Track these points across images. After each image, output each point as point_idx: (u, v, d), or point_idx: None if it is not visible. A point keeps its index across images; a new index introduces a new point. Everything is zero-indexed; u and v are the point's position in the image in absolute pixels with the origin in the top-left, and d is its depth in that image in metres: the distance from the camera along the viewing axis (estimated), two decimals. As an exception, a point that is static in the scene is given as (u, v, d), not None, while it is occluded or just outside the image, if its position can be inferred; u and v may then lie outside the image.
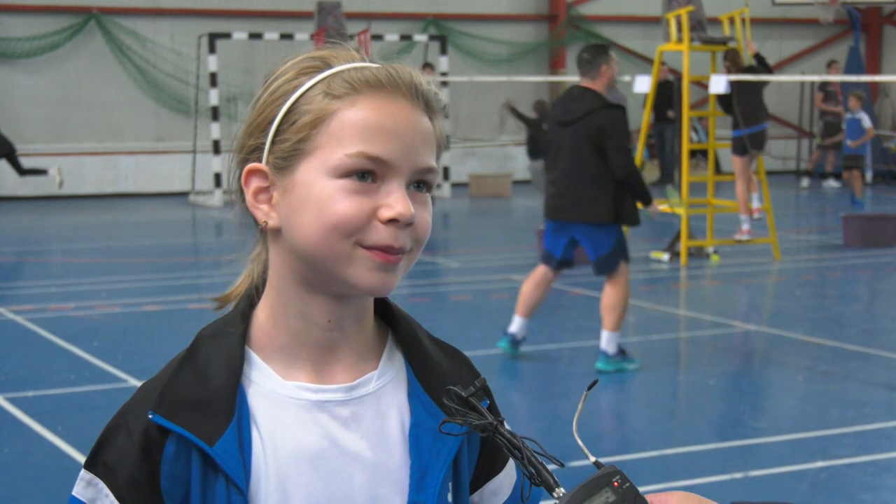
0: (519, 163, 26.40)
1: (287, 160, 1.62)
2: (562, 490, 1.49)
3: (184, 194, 23.12)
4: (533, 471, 1.52)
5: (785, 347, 9.59)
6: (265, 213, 1.65)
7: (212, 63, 21.60)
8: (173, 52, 24.00)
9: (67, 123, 23.58)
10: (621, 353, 8.95)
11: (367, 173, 1.59)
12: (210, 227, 19.62)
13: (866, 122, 20.15)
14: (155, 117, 24.19)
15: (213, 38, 21.70)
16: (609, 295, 8.80)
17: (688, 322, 11.09)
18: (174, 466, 1.61)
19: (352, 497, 1.65)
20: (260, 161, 1.65)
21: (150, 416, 1.62)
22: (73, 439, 7.20)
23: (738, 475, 6.54)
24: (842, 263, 14.50)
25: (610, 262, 8.72)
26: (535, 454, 1.53)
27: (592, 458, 1.53)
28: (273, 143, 1.64)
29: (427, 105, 1.66)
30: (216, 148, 21.68)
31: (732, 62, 14.63)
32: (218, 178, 21.65)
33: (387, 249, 1.59)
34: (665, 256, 14.40)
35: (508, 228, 18.87)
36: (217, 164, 21.68)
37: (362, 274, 1.60)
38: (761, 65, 14.93)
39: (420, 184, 1.64)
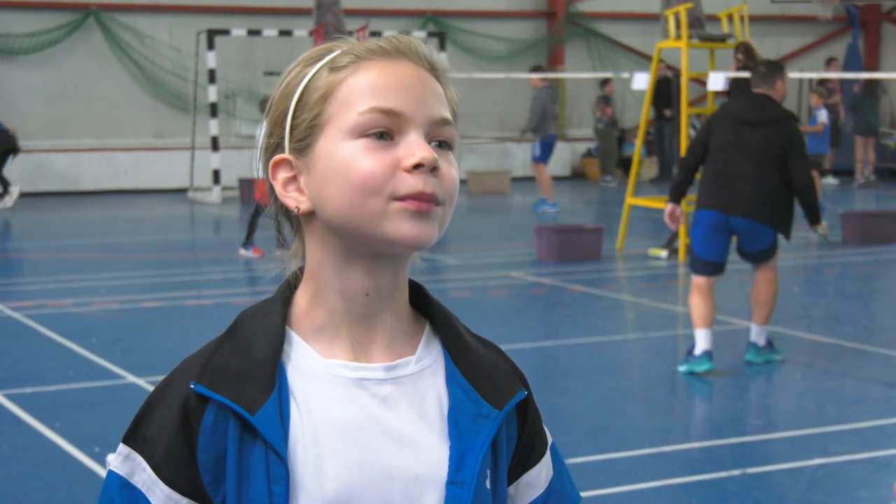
0: (518, 159, 26.42)
1: (305, 140, 1.66)
2: None
3: (182, 191, 23.13)
4: None
5: (783, 344, 9.59)
6: (296, 199, 1.68)
7: (210, 59, 21.59)
8: (172, 49, 23.99)
9: (66, 120, 23.58)
10: (769, 344, 9.10)
11: (384, 133, 1.61)
12: (208, 224, 19.62)
13: (821, 117, 20.15)
14: (153, 114, 24.20)
15: (212, 34, 21.69)
16: (763, 290, 8.96)
17: (686, 319, 11.09)
18: (212, 437, 1.62)
19: (389, 474, 1.65)
20: (283, 154, 1.68)
21: (191, 386, 1.64)
22: (71, 436, 7.20)
23: (735, 472, 6.54)
24: (840, 260, 14.50)
25: (767, 253, 8.86)
26: None
27: None
28: (291, 129, 1.67)
29: (432, 67, 1.69)
30: (215, 144, 21.67)
31: (746, 55, 14.55)
32: (216, 175, 21.65)
33: (419, 196, 1.60)
34: (663, 253, 14.41)
35: (507, 225, 18.89)
36: (215, 160, 21.68)
37: (398, 226, 1.61)
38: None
39: (441, 143, 1.66)
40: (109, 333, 10.14)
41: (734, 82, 14.50)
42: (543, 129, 20.17)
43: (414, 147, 1.61)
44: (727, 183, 8.63)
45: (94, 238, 16.82)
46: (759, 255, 8.86)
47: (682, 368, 8.77)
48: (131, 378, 8.55)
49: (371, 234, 1.62)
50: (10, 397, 8.11)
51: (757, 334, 9.09)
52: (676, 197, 9.01)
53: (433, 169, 1.61)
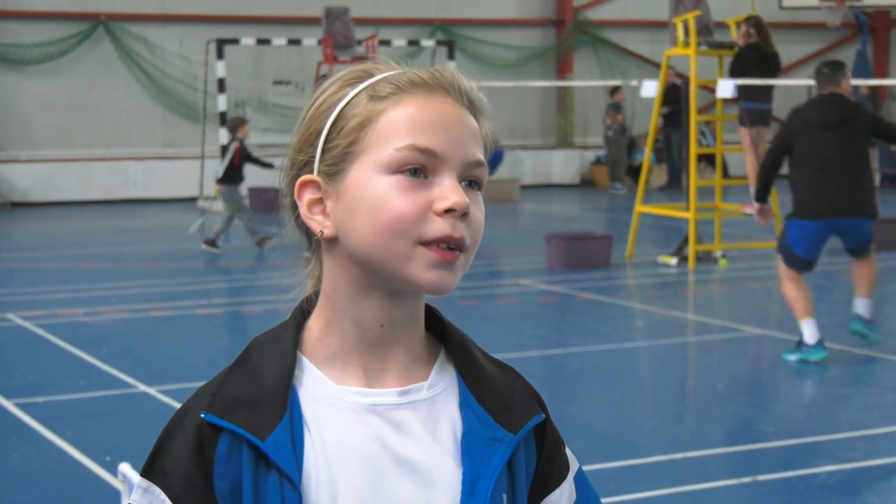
0: (527, 167, 26.42)
1: (338, 165, 1.64)
2: None
3: (192, 200, 23.15)
4: None
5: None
6: (320, 223, 1.66)
7: (220, 69, 21.63)
8: (181, 58, 24.04)
9: (76, 129, 23.62)
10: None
11: (418, 170, 1.60)
12: (218, 233, 19.62)
13: None
14: (163, 123, 24.24)
15: (222, 43, 21.73)
16: (867, 270, 9.56)
17: (696, 326, 11.08)
18: (227, 466, 1.62)
19: (402, 501, 1.64)
20: (311, 174, 1.67)
21: (202, 416, 1.63)
22: (81, 445, 7.21)
23: (747, 479, 6.53)
24: (850, 267, 14.46)
25: (871, 240, 9.46)
26: None
27: None
28: (323, 152, 1.66)
29: (471, 104, 1.69)
30: (224, 154, 21.69)
31: (757, 29, 14.41)
32: (226, 184, 21.66)
33: (447, 240, 1.60)
34: (673, 261, 14.39)
35: (516, 233, 18.88)
36: (225, 169, 21.70)
37: (421, 272, 1.60)
38: (775, 61, 14.74)
39: (471, 183, 1.65)
40: (120, 342, 10.15)
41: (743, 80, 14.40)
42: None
43: (447, 191, 1.60)
44: (828, 189, 9.13)
45: (104, 247, 16.84)
46: (867, 244, 9.42)
47: (793, 357, 9.20)
48: (142, 387, 8.56)
49: (393, 273, 1.61)
50: (21, 406, 8.12)
51: (864, 307, 9.58)
52: (764, 198, 9.64)
53: (463, 214, 1.61)
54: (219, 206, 21.65)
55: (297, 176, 1.68)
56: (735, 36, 15.09)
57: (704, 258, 14.70)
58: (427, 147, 1.60)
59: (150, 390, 8.44)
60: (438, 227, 1.59)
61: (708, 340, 10.50)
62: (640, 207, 15.44)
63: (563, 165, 27.13)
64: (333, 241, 1.66)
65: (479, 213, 1.65)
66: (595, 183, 26.96)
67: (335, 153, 1.64)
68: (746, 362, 9.62)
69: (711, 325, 11.05)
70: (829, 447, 7.20)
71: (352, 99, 1.65)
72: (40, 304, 12.14)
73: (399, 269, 1.61)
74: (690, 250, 14.33)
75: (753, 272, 14.10)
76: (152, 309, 11.74)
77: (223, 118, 21.70)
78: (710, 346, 10.29)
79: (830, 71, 9.47)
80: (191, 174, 23.45)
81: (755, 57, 14.34)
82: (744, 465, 6.84)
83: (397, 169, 1.60)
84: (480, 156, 1.66)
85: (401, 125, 1.61)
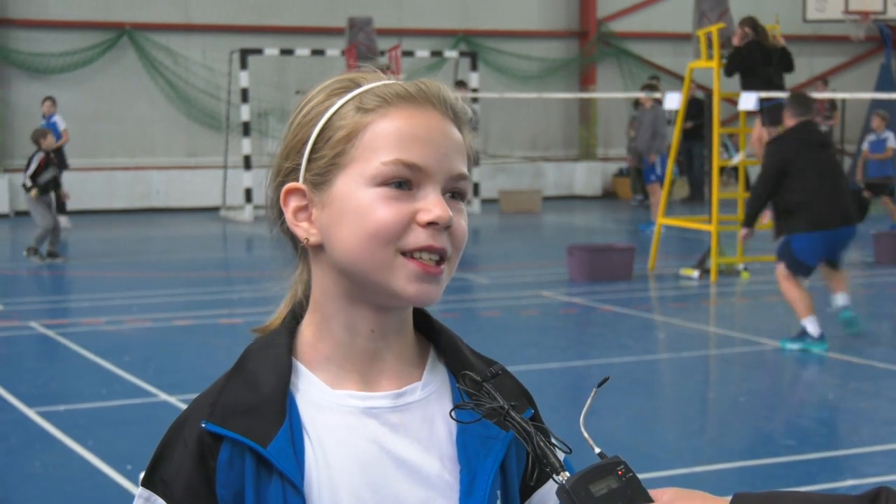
0: (550, 179, 26.40)
1: (324, 175, 1.66)
2: (567, 474, 1.56)
3: (215, 209, 23.21)
4: (540, 453, 1.58)
5: (815, 365, 9.55)
6: (306, 231, 1.69)
7: (243, 79, 21.69)
8: (205, 68, 24.12)
9: (99, 138, 23.72)
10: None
11: (403, 182, 1.63)
12: (241, 242, 19.69)
13: (891, 141, 19.81)
14: (186, 133, 24.31)
15: (245, 53, 21.80)
16: (845, 275, 10.75)
17: (718, 339, 11.06)
18: (229, 473, 1.64)
19: (402, 502, 1.67)
20: (297, 181, 1.69)
21: (203, 425, 1.65)
22: (104, 453, 7.23)
23: (767, 493, 6.50)
24: (872, 280, 14.43)
25: None
26: (546, 440, 1.61)
27: (597, 450, 1.63)
28: (309, 161, 1.68)
29: (455, 116, 1.71)
30: (247, 163, 21.75)
31: (753, 28, 14.31)
32: (249, 194, 21.72)
33: (427, 249, 1.62)
34: (695, 273, 14.36)
35: (538, 244, 18.87)
36: (248, 179, 21.76)
37: (403, 284, 1.63)
38: (785, 58, 14.66)
39: (454, 194, 1.67)
40: (142, 351, 10.18)
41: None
42: (661, 148, 19.85)
43: (431, 204, 1.62)
44: (830, 201, 10.14)
45: (127, 256, 16.90)
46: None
47: (795, 346, 9.98)
48: (164, 396, 8.58)
49: (377, 283, 1.64)
50: (43, 415, 8.15)
51: (846, 298, 10.69)
52: None
53: (446, 227, 1.64)
54: (242, 216, 21.77)
55: (283, 183, 1.71)
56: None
57: (726, 271, 14.66)
58: (413, 162, 1.63)
59: (172, 399, 8.46)
60: (421, 237, 1.62)
61: (730, 353, 10.47)
62: (662, 219, 15.42)
63: (586, 177, 27.10)
64: (319, 248, 1.69)
65: (462, 221, 1.67)
66: (617, 195, 26.93)
67: (321, 163, 1.67)
68: (768, 375, 9.59)
69: (733, 337, 11.03)
70: (851, 461, 7.18)
71: (338, 109, 1.67)
72: (63, 312, 12.19)
73: (382, 280, 1.63)
74: (712, 263, 14.29)
75: (775, 285, 14.01)
76: (175, 318, 11.77)
77: (246, 128, 21.76)
78: (731, 359, 10.26)
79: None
80: (214, 184, 23.52)
81: (758, 53, 14.28)
82: (765, 478, 6.82)
83: (383, 182, 1.63)
84: (464, 169, 1.68)
85: (387, 139, 1.64)
